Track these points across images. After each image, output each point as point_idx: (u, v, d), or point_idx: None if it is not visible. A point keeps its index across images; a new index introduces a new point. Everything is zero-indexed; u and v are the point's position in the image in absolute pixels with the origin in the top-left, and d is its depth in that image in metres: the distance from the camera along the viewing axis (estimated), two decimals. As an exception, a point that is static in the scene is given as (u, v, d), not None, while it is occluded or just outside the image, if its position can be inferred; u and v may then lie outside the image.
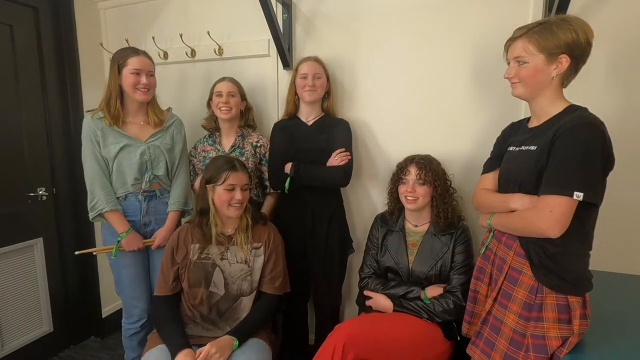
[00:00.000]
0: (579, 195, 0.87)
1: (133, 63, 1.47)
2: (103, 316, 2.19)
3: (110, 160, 1.51)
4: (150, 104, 1.58)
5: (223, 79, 1.67)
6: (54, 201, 1.96)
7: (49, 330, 1.99)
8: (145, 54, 1.53)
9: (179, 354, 1.19)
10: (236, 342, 1.25)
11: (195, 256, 1.36)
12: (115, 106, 1.51)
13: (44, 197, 1.90)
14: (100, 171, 1.50)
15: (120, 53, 1.50)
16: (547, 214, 0.90)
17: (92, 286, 2.15)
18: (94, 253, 1.61)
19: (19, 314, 1.85)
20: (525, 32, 0.98)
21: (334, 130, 1.59)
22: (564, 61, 0.96)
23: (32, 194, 1.86)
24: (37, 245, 1.90)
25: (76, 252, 1.63)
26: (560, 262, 0.95)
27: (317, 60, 1.59)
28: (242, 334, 1.29)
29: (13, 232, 1.80)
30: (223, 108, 1.63)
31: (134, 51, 1.50)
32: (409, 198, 1.40)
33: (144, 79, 1.48)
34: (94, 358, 2.02)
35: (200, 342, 1.30)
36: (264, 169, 1.69)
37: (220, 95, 1.64)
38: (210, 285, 1.34)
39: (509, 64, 1.05)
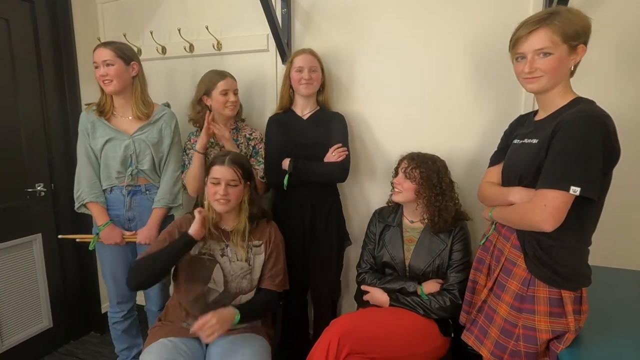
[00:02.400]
0: (575, 190, 0.86)
1: (93, 57, 1.48)
2: (102, 311, 2.19)
3: (98, 153, 1.54)
4: (134, 97, 1.55)
5: (224, 76, 1.59)
6: (52, 197, 1.95)
7: (49, 325, 1.99)
8: (108, 44, 1.49)
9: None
10: (237, 316, 1.23)
11: (196, 251, 1.34)
12: (104, 100, 1.54)
13: (42, 193, 1.90)
14: (88, 163, 1.54)
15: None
16: (542, 207, 0.90)
17: (91, 281, 2.16)
18: (77, 240, 1.65)
19: (18, 310, 1.86)
20: (541, 23, 0.93)
21: (330, 124, 1.59)
22: (581, 51, 0.95)
23: (30, 190, 1.86)
24: (36, 241, 1.90)
25: (59, 236, 1.69)
26: (554, 256, 0.95)
27: (312, 52, 1.57)
28: (245, 311, 1.27)
29: (11, 228, 1.80)
30: (231, 107, 1.59)
31: (98, 45, 1.50)
32: (395, 190, 1.43)
33: (101, 71, 1.47)
34: (93, 353, 2.02)
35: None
36: (254, 161, 1.66)
37: (226, 93, 1.58)
38: (210, 281, 1.34)
39: (517, 59, 1.00)
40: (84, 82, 2.01)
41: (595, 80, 1.32)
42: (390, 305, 1.37)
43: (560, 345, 0.96)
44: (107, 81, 1.48)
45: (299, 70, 1.54)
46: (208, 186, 1.34)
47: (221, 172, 1.30)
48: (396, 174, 1.46)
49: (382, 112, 1.68)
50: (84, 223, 1.96)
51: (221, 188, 1.29)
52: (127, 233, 1.58)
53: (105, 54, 1.47)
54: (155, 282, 1.33)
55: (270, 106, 1.85)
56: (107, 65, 1.47)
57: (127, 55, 1.51)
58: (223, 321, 1.18)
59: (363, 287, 1.47)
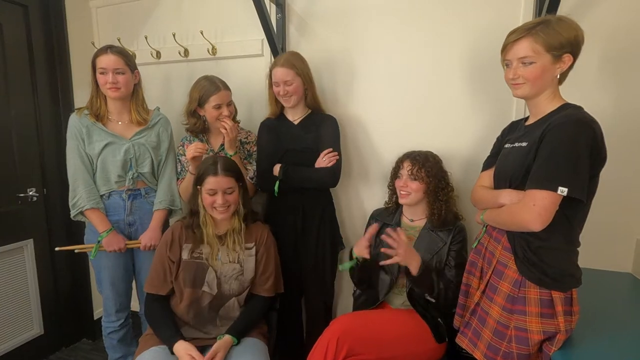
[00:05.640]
0: (563, 190, 0.88)
1: (99, 62, 1.46)
2: (95, 318, 2.16)
3: (95, 158, 1.51)
4: (133, 103, 1.56)
5: (217, 89, 1.55)
6: (45, 202, 1.94)
7: (40, 332, 1.96)
8: (115, 51, 1.48)
9: (177, 343, 1.20)
10: (235, 340, 1.27)
11: (188, 256, 1.35)
12: (98, 105, 1.52)
13: (34, 198, 1.88)
14: (84, 168, 1.50)
15: (95, 52, 1.50)
16: (531, 207, 0.92)
17: (83, 288, 2.13)
18: (76, 251, 1.60)
19: (9, 317, 1.83)
20: (527, 32, 0.97)
21: (321, 128, 1.58)
22: (567, 60, 0.97)
23: (22, 195, 1.84)
24: (27, 247, 1.88)
25: (56, 248, 1.63)
26: (543, 257, 0.97)
27: (286, 63, 1.49)
28: (238, 331, 1.30)
29: (3, 233, 1.77)
30: (225, 120, 1.56)
31: (104, 49, 1.48)
32: (402, 192, 1.42)
33: (109, 78, 1.46)
34: (85, 360, 2.00)
35: (194, 344, 1.30)
36: (246, 163, 1.66)
37: (219, 107, 1.55)
38: (203, 285, 1.33)
39: (507, 65, 1.04)
40: (77, 87, 1.99)
41: (582, 86, 1.34)
42: (412, 282, 1.32)
43: (553, 347, 0.96)
44: (115, 88, 1.47)
45: (276, 85, 1.53)
46: (203, 196, 1.32)
47: (217, 182, 1.30)
48: (396, 176, 1.46)
49: (376, 116, 1.70)
50: (77, 228, 1.94)
51: (219, 197, 1.30)
52: (128, 241, 1.57)
53: (116, 61, 1.46)
54: None
55: (264, 110, 1.84)
56: (118, 73, 1.47)
57: (132, 63, 1.53)
58: (223, 355, 1.23)
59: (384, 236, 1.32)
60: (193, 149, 1.47)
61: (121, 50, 1.52)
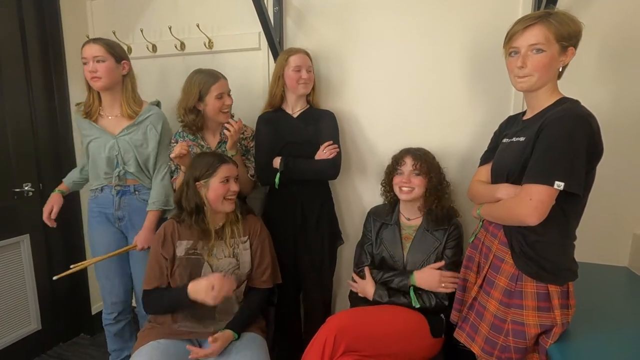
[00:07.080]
0: (559, 185, 0.88)
1: (82, 53, 1.46)
2: (93, 313, 2.17)
3: (87, 152, 1.55)
4: (124, 95, 1.53)
5: (218, 78, 1.52)
6: (41, 197, 1.91)
7: (37, 327, 1.96)
8: (97, 40, 1.46)
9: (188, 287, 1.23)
10: (235, 335, 1.28)
11: (183, 252, 1.34)
12: (90, 99, 1.53)
13: (30, 193, 1.86)
14: (84, 157, 1.61)
15: (82, 45, 1.48)
16: (527, 201, 0.92)
17: (81, 282, 2.13)
18: (72, 267, 1.54)
19: (6, 312, 1.83)
20: (539, 19, 0.96)
21: (320, 122, 1.58)
22: (570, 54, 0.97)
23: (17, 190, 1.82)
24: (24, 242, 1.87)
25: (54, 278, 1.52)
26: (540, 251, 0.97)
27: (306, 52, 1.57)
28: (239, 326, 1.31)
29: (-1, 228, 1.76)
30: (226, 111, 1.54)
31: (87, 41, 1.47)
32: (404, 189, 1.41)
33: (90, 67, 1.44)
34: (83, 355, 2.00)
35: (193, 337, 1.31)
36: (245, 159, 1.64)
37: (221, 97, 1.52)
38: None
39: (510, 54, 1.02)
40: (72, 80, 1.97)
41: (579, 81, 1.33)
42: (373, 300, 1.39)
43: (549, 340, 0.97)
44: (95, 78, 1.45)
45: (296, 70, 1.52)
46: (214, 188, 1.32)
47: (229, 169, 1.34)
48: (395, 173, 1.45)
49: (373, 110, 1.69)
50: (74, 222, 1.94)
51: (233, 184, 1.34)
52: (126, 247, 1.57)
53: (96, 49, 1.44)
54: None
55: (262, 105, 1.83)
56: (98, 61, 1.44)
57: (118, 53, 1.49)
58: (222, 346, 1.23)
59: (353, 275, 1.49)
60: (178, 150, 1.41)
61: (106, 40, 1.49)
